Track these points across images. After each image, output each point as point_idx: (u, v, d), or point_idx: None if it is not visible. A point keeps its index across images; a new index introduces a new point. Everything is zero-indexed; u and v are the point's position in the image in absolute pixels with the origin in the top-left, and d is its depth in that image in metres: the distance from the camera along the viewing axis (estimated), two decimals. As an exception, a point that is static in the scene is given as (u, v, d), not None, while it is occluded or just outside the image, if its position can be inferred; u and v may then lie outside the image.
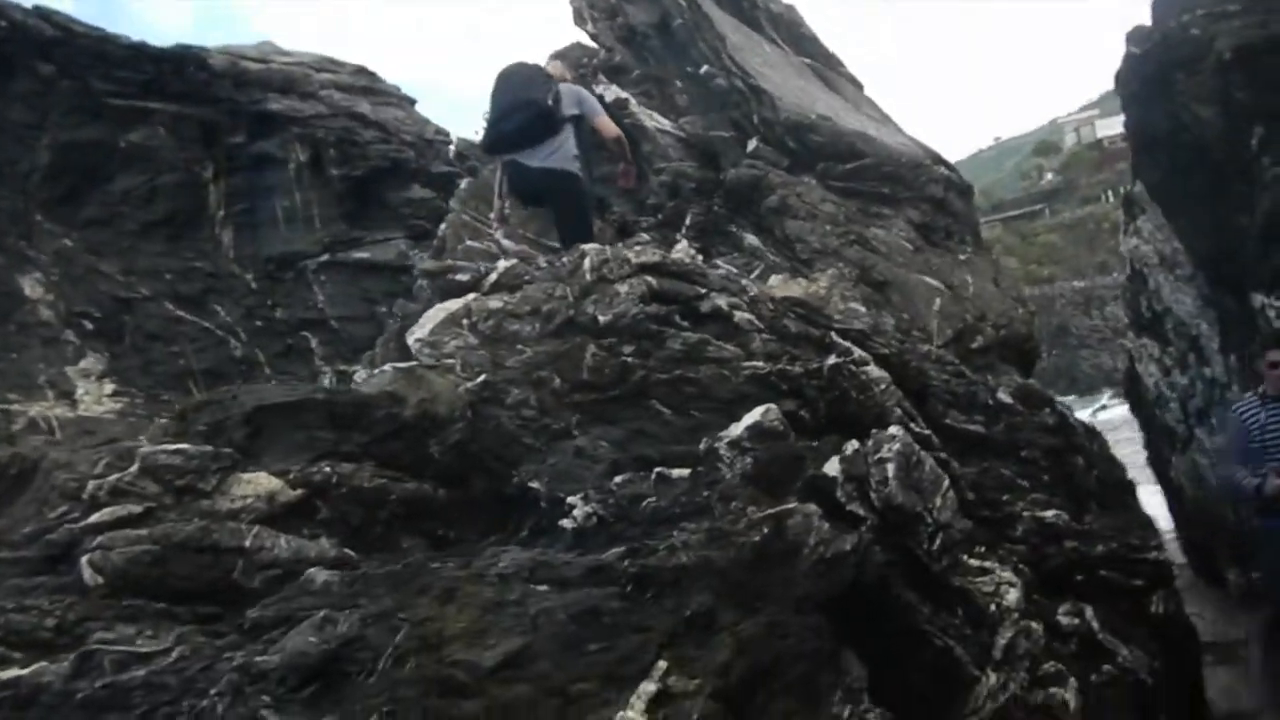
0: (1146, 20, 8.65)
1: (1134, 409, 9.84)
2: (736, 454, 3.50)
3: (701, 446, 3.58)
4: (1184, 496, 8.88)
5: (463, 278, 4.32)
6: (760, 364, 4.25)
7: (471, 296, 4.15)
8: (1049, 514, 5.31)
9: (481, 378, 3.83)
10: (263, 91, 11.23)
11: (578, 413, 3.95)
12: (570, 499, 3.40)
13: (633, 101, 7.74)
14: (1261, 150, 7.35)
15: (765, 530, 3.15)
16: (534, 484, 3.65)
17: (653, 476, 3.42)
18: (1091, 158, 51.09)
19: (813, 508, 3.35)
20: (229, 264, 11.24)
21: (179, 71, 10.67)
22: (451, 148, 8.04)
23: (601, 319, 4.05)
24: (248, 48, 11.98)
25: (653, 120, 7.76)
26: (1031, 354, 8.34)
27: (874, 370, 4.50)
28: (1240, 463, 5.76)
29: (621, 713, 2.62)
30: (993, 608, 3.99)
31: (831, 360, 4.41)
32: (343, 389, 4.37)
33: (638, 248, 4.56)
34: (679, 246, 5.27)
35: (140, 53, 10.46)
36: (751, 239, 7.34)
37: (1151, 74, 8.37)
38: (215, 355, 10.90)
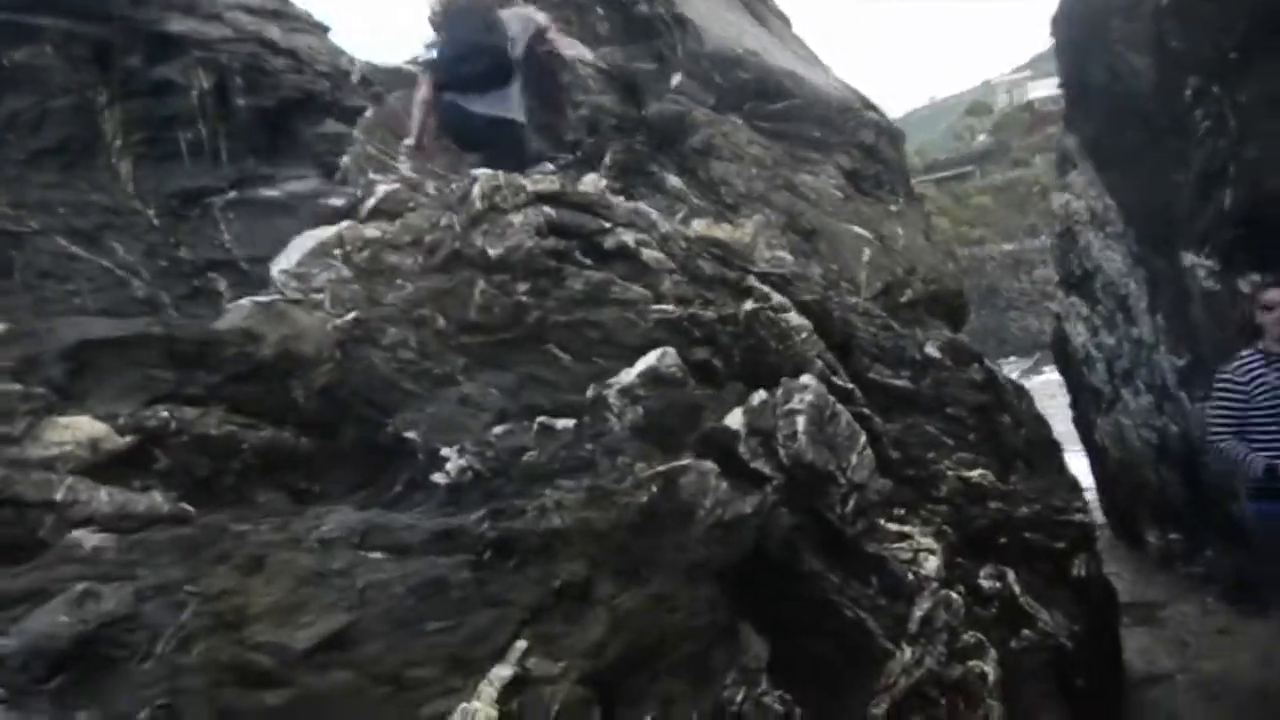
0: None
1: (1061, 369, 9.70)
2: (627, 403, 3.10)
3: (589, 394, 3.17)
4: (1107, 458, 8.77)
5: (336, 202, 3.85)
6: (670, 307, 3.85)
7: (346, 224, 3.67)
8: (974, 474, 5.04)
9: (353, 314, 3.37)
10: (161, 11, 10.40)
11: (464, 356, 3.52)
12: (444, 451, 2.98)
13: (551, 28, 7.19)
14: (1195, 103, 7.08)
15: (654, 489, 2.77)
16: (410, 434, 3.22)
17: (534, 427, 3.02)
18: (1023, 120, 51.31)
19: (709, 465, 2.97)
20: (128, 198, 10.42)
21: (67, -15, 9.80)
22: (353, 75, 7.39)
23: (492, 252, 3.61)
24: (145, -37, 11.08)
25: (572, 49, 7.24)
26: (960, 311, 8.10)
27: (795, 318, 4.14)
28: (1236, 432, 4.83)
29: (466, 703, 2.22)
30: (910, 576, 3.66)
31: (749, 305, 4.03)
32: (187, 323, 3.87)
33: (536, 176, 4.09)
34: (587, 178, 4.79)
35: (23, -38, 9.56)
36: (674, 180, 6.91)
37: (1087, 19, 8.08)
38: (114, 296, 10.09)
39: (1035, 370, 24.62)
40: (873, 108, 8.49)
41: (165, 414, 3.05)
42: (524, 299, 3.62)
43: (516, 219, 3.67)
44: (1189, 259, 6.92)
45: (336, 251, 3.54)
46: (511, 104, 5.69)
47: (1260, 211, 6.55)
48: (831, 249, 7.05)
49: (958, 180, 49.33)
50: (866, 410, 4.37)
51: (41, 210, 11.34)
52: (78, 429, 2.90)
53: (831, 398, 3.64)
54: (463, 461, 2.90)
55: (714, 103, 7.34)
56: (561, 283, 3.72)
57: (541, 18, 6.08)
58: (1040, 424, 5.80)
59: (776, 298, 4.19)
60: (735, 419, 3.26)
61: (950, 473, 4.93)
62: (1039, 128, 46.34)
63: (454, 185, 3.92)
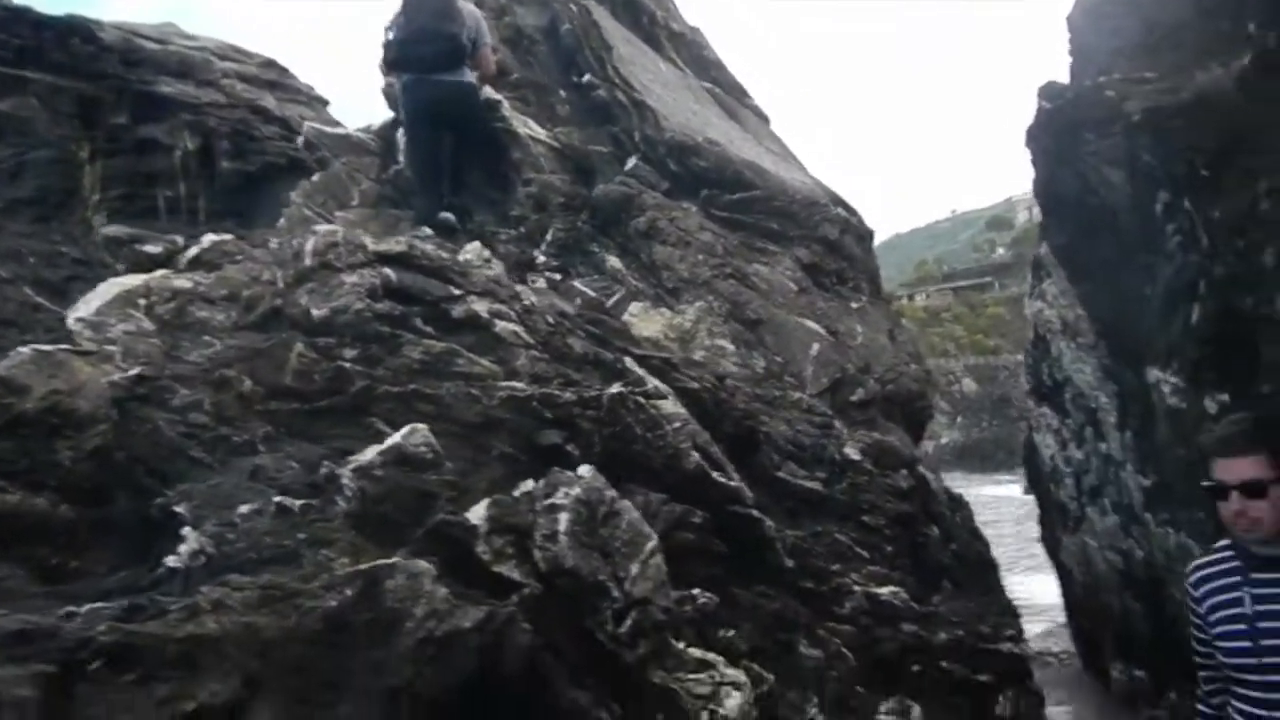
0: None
1: (1031, 483, 9.10)
2: (364, 483, 2.66)
3: (322, 471, 2.73)
4: (1073, 581, 8.12)
5: (153, 249, 3.50)
6: (521, 385, 3.43)
7: (159, 273, 3.30)
8: (885, 590, 4.51)
9: (136, 370, 2.97)
10: (155, 73, 10.37)
11: (268, 423, 3.10)
12: (185, 530, 2.54)
13: (505, 105, 6.97)
14: (1166, 217, 6.69)
15: (349, 592, 2.31)
16: (179, 508, 2.79)
17: (271, 507, 2.57)
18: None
19: (423, 565, 2.50)
20: (99, 251, 10.28)
21: (63, 42, 9.79)
22: (300, 137, 7.18)
23: (316, 313, 3.22)
24: (147, 26, 11.12)
25: (526, 127, 6.98)
26: (921, 414, 7.59)
27: (668, 406, 3.69)
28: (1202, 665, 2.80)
29: None
30: (704, 716, 3.06)
31: (615, 389, 3.59)
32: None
33: (385, 237, 3.72)
34: (469, 246, 4.40)
35: (19, 16, 9.56)
36: (614, 261, 6.54)
37: (1062, 131, 7.73)
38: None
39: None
40: (842, 204, 8.16)
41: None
42: (349, 365, 3.21)
43: (350, 279, 3.29)
44: (1154, 374, 6.43)
45: (141, 301, 3.16)
46: (467, 82, 6.09)
47: (1228, 329, 6.10)
48: (777, 341, 6.61)
49: (976, 290, 49.16)
50: (755, 512, 3.90)
51: (12, 259, 11.10)
52: None
53: (610, 494, 3.11)
54: (196, 544, 2.45)
55: (668, 188, 7.03)
56: (396, 350, 3.32)
57: (485, 33, 6.39)
58: (975, 539, 5.26)
59: (652, 383, 3.75)
60: (478, 512, 2.79)
61: (857, 588, 4.40)
62: (1057, 245, 46.06)
63: (295, 240, 3.56)
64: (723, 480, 3.78)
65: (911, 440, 7.35)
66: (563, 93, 7.40)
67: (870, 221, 8.39)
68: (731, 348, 6.40)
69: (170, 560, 2.48)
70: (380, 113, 7.96)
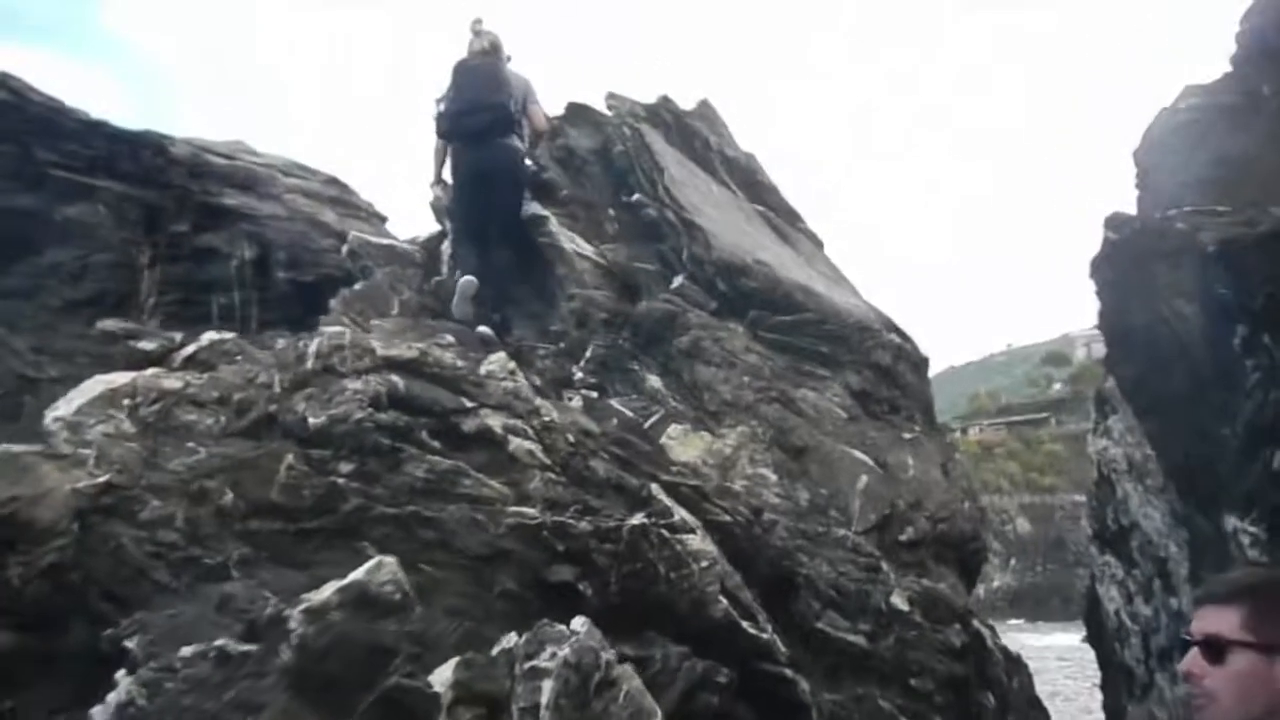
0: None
1: (1092, 640, 8.30)
2: (312, 629, 2.27)
3: (267, 611, 2.35)
4: (1143, 753, 7.29)
5: (148, 345, 3.25)
6: (532, 511, 3.06)
7: (151, 371, 3.03)
8: (937, 766, 3.95)
9: (106, 477, 2.67)
10: (219, 185, 10.55)
11: (247, 544, 2.76)
12: (119, 674, 2.17)
13: (552, 220, 6.81)
14: (1244, 352, 6.22)
15: None
16: (129, 642, 2.43)
17: (214, 652, 2.20)
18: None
19: None
20: (99, 346, 10.24)
21: (135, 154, 10.01)
22: (345, 246, 7.09)
23: (313, 421, 2.91)
24: (218, 143, 11.39)
25: (572, 243, 6.81)
26: (975, 557, 7.02)
27: (696, 541, 3.28)
28: None
29: None
30: None
31: (637, 520, 3.20)
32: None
33: (391, 339, 3.42)
34: (493, 357, 4.08)
35: (93, 128, 9.82)
36: (654, 380, 6.22)
37: (1130, 262, 7.36)
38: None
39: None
40: (897, 330, 7.80)
41: None
42: (343, 481, 2.88)
43: (353, 385, 2.99)
44: (1232, 522, 5.85)
45: (125, 401, 2.88)
46: (514, 148, 6.23)
47: (1315, 475, 5.56)
48: (823, 471, 6.18)
49: (1031, 426, 47.92)
50: (790, 671, 3.42)
51: (64, 359, 11.13)
52: None
53: (608, 656, 2.61)
54: (127, 692, 2.09)
55: (715, 308, 6.75)
56: (397, 467, 2.98)
57: (534, 93, 6.54)
58: (1035, 709, 4.66)
59: (680, 514, 3.35)
60: (444, 675, 2.36)
61: (904, 761, 3.85)
62: (1116, 383, 44.90)
63: (300, 342, 3.29)
64: (754, 631, 3.33)
65: (965, 587, 6.77)
66: (612, 211, 7.25)
67: (927, 354, 8.00)
68: (774, 477, 5.98)
69: (96, 713, 2.11)
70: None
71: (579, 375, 6.24)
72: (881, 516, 6.13)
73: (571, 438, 3.35)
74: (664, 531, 3.22)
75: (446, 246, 6.96)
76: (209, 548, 2.71)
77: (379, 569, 2.43)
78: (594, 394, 6.11)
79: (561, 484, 3.19)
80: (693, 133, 8.18)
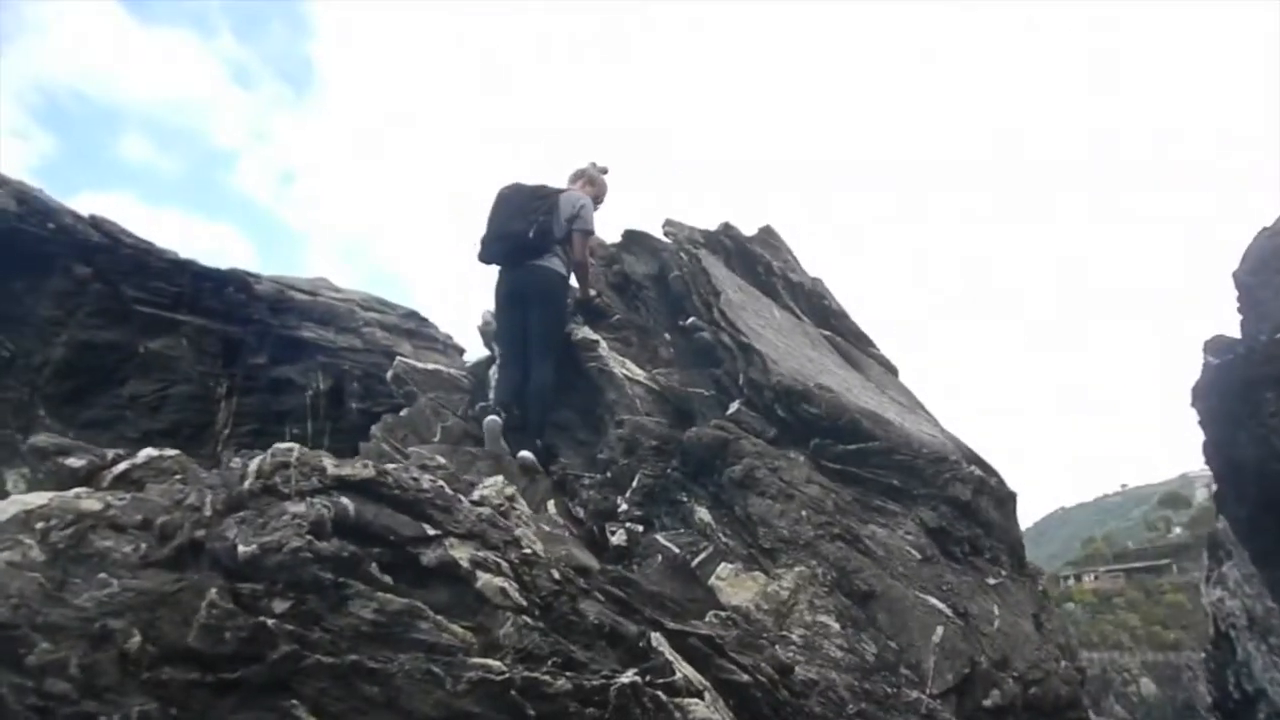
0: None
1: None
2: None
3: None
4: None
5: (75, 463, 2.89)
6: (498, 665, 2.53)
7: (74, 492, 2.67)
8: None
9: (-7, 613, 2.27)
10: (299, 319, 10.65)
11: (153, 698, 2.30)
12: None
13: (602, 344, 6.44)
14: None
15: None
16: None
17: None
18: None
19: None
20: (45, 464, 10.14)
21: (219, 291, 10.21)
22: (390, 372, 6.85)
23: (242, 550, 2.48)
24: (301, 280, 11.60)
25: (623, 368, 6.40)
26: (1074, 725, 6.05)
27: (700, 709, 2.68)
28: None
29: None
30: None
31: (625, 679, 2.63)
32: None
33: (346, 460, 2.98)
34: (489, 481, 3.58)
35: (182, 268, 10.07)
36: (703, 513, 5.64)
37: (1235, 389, 6.53)
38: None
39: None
40: (978, 461, 7.07)
41: None
42: (273, 623, 2.42)
43: (295, 509, 2.56)
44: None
45: (39, 525, 2.51)
46: (548, 265, 6.13)
47: None
48: (892, 621, 5.42)
49: (1151, 574, 44.55)
50: None
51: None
52: None
53: None
54: None
55: (774, 435, 6.20)
56: (341, 606, 2.51)
57: (584, 220, 6.37)
58: None
59: (683, 671, 2.76)
60: None
61: None
62: (1241, 527, 41.59)
63: (241, 459, 2.90)
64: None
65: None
66: (667, 335, 6.86)
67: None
68: (836, 626, 5.26)
69: None
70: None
71: (624, 507, 5.72)
72: (960, 676, 5.31)
73: (557, 574, 2.82)
74: (660, 694, 2.63)
75: (494, 372, 6.65)
76: (105, 702, 2.25)
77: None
78: (639, 527, 5.58)
79: (539, 630, 2.65)
80: (754, 258, 7.82)
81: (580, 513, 5.73)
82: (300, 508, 2.56)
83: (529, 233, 5.99)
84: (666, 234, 7.38)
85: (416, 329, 11.91)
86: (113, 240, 9.72)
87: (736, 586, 5.32)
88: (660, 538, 5.49)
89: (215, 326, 10.06)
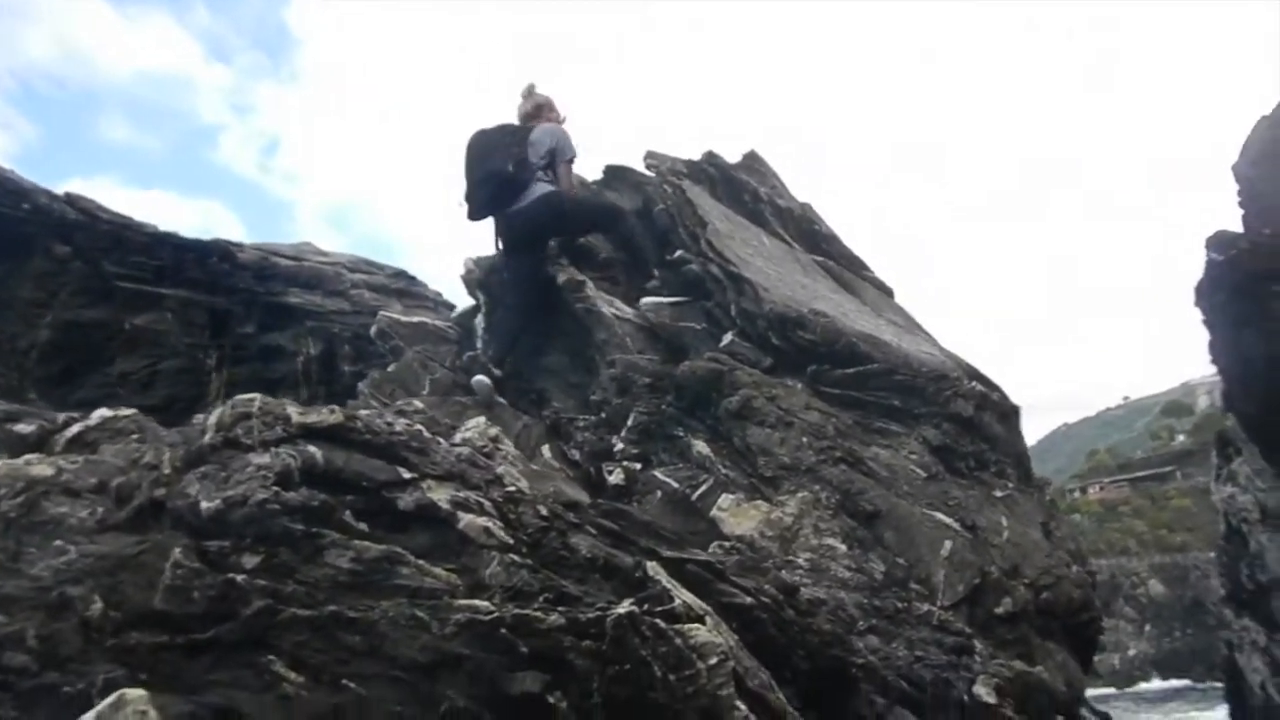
0: None
1: (1234, 715, 6.97)
2: None
3: None
4: None
5: (25, 428, 2.73)
6: (486, 605, 2.39)
7: (24, 458, 2.51)
8: None
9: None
10: (285, 285, 10.43)
11: (121, 665, 2.16)
12: None
13: (589, 284, 6.26)
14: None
15: None
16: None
17: None
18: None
19: None
20: None
21: (202, 262, 9.98)
22: (374, 327, 6.67)
23: (206, 505, 2.33)
24: (285, 246, 11.35)
25: (611, 306, 6.22)
26: (1088, 629, 5.98)
27: (702, 633, 2.55)
28: None
29: None
30: None
31: (622, 609, 2.50)
32: None
33: (312, 408, 2.82)
34: (472, 422, 3.43)
35: (162, 240, 9.83)
36: (701, 447, 5.51)
37: (1241, 285, 6.35)
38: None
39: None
40: (979, 377, 6.91)
41: None
42: (244, 579, 2.28)
43: (259, 460, 2.40)
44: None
45: (-10, 496, 2.36)
46: (536, 197, 5.91)
47: None
48: (900, 539, 5.31)
49: (1155, 481, 44.73)
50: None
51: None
52: None
53: None
54: None
55: (770, 364, 6.04)
56: (315, 557, 2.37)
57: (566, 150, 6.15)
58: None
59: (682, 598, 2.63)
60: None
61: None
62: (1243, 430, 41.68)
63: (202, 415, 2.74)
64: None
65: (1079, 664, 5.73)
66: (656, 271, 6.67)
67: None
68: (843, 547, 5.16)
69: None
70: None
71: (620, 446, 5.58)
72: (971, 587, 5.22)
73: (544, 510, 2.67)
74: (659, 622, 2.50)
75: (480, 320, 6.47)
76: (69, 671, 2.12)
77: (121, 703, 1.80)
78: (636, 465, 5.44)
79: (528, 567, 2.51)
80: (741, 185, 7.60)
81: (576, 455, 5.59)
82: (264, 459, 2.41)
83: (508, 166, 5.82)
84: (649, 167, 7.15)
85: (406, 288, 11.67)
86: (90, 217, 9.47)
87: (739, 516, 5.20)
88: (658, 474, 5.36)
89: (200, 298, 9.85)
